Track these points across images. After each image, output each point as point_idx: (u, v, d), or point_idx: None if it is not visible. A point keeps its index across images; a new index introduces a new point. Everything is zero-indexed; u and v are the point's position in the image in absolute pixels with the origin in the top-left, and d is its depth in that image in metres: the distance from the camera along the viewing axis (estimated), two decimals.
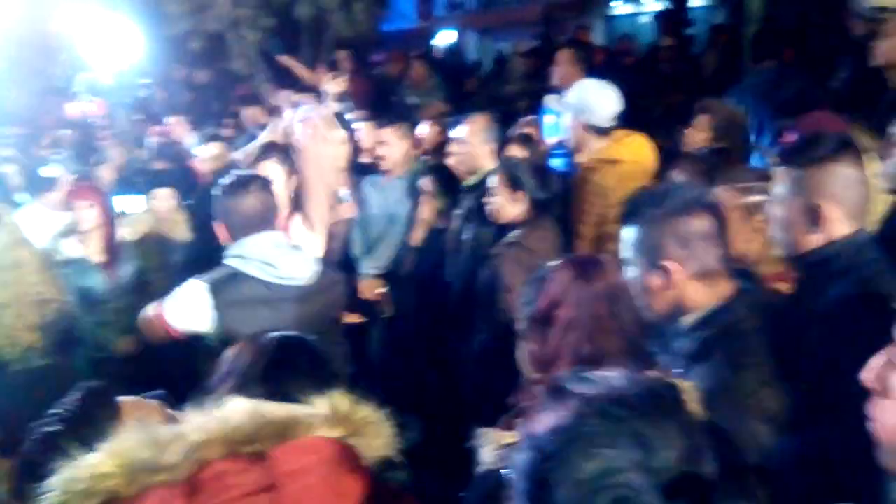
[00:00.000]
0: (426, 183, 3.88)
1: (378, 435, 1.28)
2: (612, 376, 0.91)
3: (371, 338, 4.09)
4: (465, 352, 3.35)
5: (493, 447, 1.41)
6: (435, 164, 4.21)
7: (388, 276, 4.04)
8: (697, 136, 3.42)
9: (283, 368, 1.48)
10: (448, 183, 3.87)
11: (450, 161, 3.89)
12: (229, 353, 1.58)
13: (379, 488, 1.29)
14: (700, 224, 1.68)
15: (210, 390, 1.47)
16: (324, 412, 1.24)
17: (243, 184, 2.58)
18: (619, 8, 14.03)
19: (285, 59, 6.39)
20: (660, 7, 12.46)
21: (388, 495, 1.32)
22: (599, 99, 3.22)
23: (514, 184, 3.11)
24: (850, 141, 1.90)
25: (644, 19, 13.34)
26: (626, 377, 0.90)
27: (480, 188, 3.55)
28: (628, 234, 1.77)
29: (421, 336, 3.95)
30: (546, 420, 0.88)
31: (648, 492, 0.77)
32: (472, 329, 3.30)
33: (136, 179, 4.42)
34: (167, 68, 6.97)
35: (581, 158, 3.23)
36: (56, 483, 1.11)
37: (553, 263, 1.54)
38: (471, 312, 3.34)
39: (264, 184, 2.65)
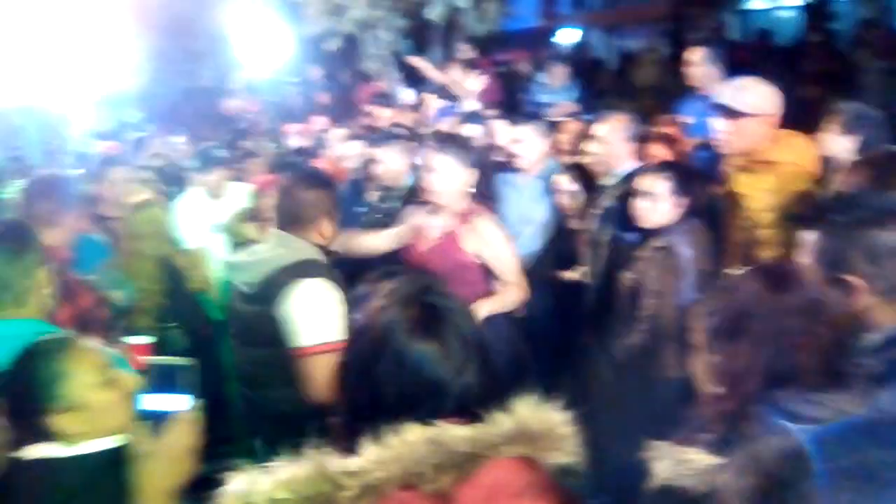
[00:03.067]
0: (562, 182, 3.83)
1: (561, 443, 1.23)
2: (841, 401, 0.84)
3: None
4: (603, 356, 3.29)
5: (670, 462, 1.36)
6: (571, 163, 4.15)
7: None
8: (828, 138, 3.24)
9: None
10: (584, 182, 3.81)
11: (587, 160, 3.82)
12: None
13: (565, 501, 1.26)
14: (894, 238, 1.56)
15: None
16: (508, 430, 1.19)
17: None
18: (754, 2, 13.33)
19: (416, 60, 6.49)
20: (800, 1, 11.77)
21: None
22: (772, 97, 3.04)
23: (676, 188, 3.02)
24: None
25: (783, 14, 12.64)
26: (857, 403, 0.83)
27: (619, 188, 3.47)
28: (807, 240, 1.67)
29: (553, 338, 3.91)
30: (771, 443, 0.82)
31: None
32: (611, 333, 3.24)
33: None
34: (305, 68, 7.28)
35: (736, 160, 3.08)
36: (233, 501, 1.13)
37: (742, 271, 1.46)
38: (609, 316, 3.28)
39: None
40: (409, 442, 1.13)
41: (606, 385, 3.45)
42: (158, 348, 2.68)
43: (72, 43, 7.62)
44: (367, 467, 1.11)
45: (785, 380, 1.28)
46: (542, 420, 1.22)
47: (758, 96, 2.98)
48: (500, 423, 1.19)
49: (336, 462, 1.13)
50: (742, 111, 2.97)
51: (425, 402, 1.22)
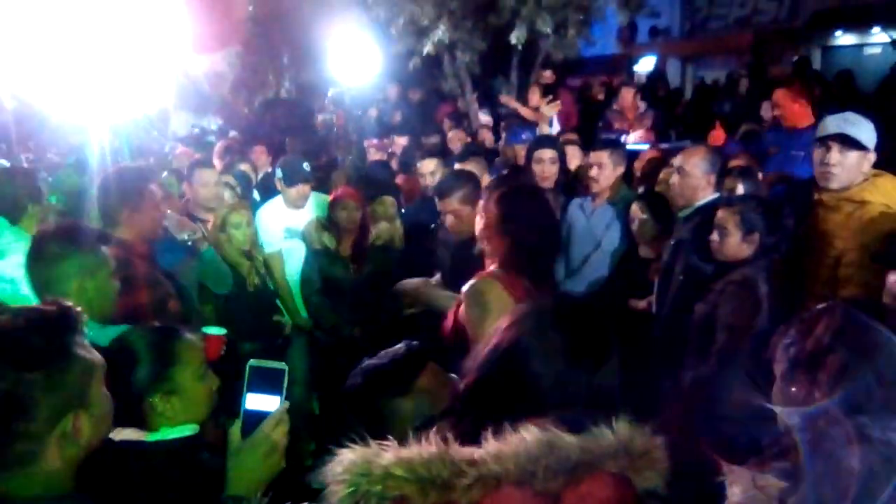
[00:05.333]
0: (637, 210, 3.82)
1: (653, 466, 1.27)
2: None
3: None
4: (671, 386, 3.25)
5: (745, 486, 1.37)
6: (647, 190, 4.14)
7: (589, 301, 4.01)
8: None
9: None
10: (660, 211, 3.79)
11: (664, 189, 3.81)
12: None
13: None
14: None
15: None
16: (612, 444, 1.23)
17: None
18: (841, 38, 12.94)
19: (506, 99, 6.51)
20: (887, 38, 11.42)
21: None
22: (874, 135, 2.98)
23: (746, 223, 2.98)
24: None
25: (870, 51, 12.26)
26: None
27: (694, 219, 3.44)
28: (891, 281, 1.65)
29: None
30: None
31: None
32: (679, 363, 3.20)
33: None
34: (388, 85, 7.46)
35: (826, 195, 3.01)
36: (347, 471, 1.18)
37: (824, 305, 1.46)
38: (678, 346, 3.24)
39: None
40: (526, 441, 1.19)
41: (674, 414, 3.41)
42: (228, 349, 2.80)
43: (157, 50, 7.99)
44: (486, 459, 1.17)
45: (864, 412, 1.27)
46: (641, 441, 1.26)
47: (868, 132, 2.93)
48: (606, 437, 1.24)
49: (458, 450, 1.19)
50: (856, 144, 2.91)
51: (554, 397, 1.32)
